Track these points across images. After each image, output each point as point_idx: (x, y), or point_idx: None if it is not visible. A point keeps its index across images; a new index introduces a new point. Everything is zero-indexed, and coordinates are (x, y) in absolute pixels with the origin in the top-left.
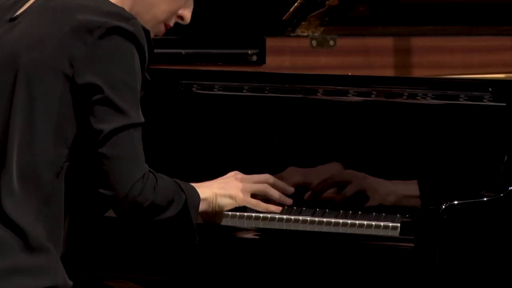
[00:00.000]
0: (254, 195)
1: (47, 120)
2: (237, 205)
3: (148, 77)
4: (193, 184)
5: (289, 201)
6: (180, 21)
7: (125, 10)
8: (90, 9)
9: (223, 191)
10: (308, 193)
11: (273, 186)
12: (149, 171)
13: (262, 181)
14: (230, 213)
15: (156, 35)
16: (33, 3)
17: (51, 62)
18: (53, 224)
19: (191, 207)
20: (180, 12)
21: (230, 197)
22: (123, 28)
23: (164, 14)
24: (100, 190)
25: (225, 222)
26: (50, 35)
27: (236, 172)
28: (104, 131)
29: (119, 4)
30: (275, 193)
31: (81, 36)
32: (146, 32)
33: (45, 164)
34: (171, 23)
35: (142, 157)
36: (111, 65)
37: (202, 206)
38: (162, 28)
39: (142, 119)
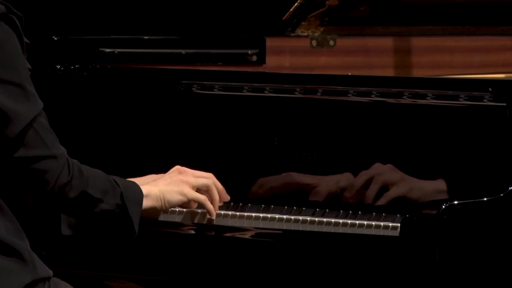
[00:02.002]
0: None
1: None
2: (186, 201)
3: (28, 41)
4: (137, 183)
5: (227, 198)
6: None
7: None
8: None
9: (170, 187)
10: (308, 193)
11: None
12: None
13: (205, 177)
14: (230, 213)
15: None
16: None
17: None
18: (7, 217)
19: (130, 201)
20: None
21: (179, 193)
22: None
23: None
24: (31, 193)
25: (225, 222)
26: None
27: (178, 166)
28: (8, 137)
29: None
30: (219, 186)
31: None
32: (8, 6)
33: None
34: None
35: (56, 144)
36: None
37: (148, 203)
38: None
39: (40, 106)
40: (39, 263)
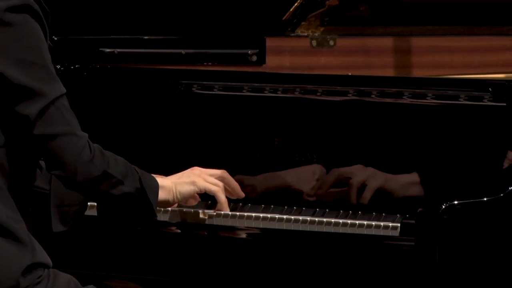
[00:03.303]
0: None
1: None
2: (198, 191)
3: (50, 44)
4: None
5: (242, 194)
6: None
7: None
8: None
9: (181, 179)
10: (308, 193)
11: (228, 180)
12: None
13: (218, 174)
14: (230, 213)
15: None
16: None
17: None
18: (9, 206)
19: (148, 187)
20: None
21: (190, 183)
22: (13, 6)
23: None
24: (52, 172)
25: (224, 222)
26: None
27: (193, 167)
28: (30, 116)
29: None
30: (232, 182)
31: None
32: None
33: None
34: None
35: (77, 125)
36: (14, 49)
37: (162, 194)
38: None
39: (63, 90)
40: (39, 248)
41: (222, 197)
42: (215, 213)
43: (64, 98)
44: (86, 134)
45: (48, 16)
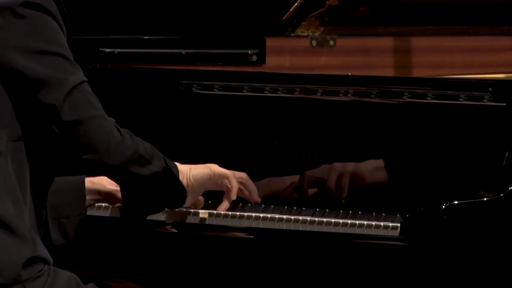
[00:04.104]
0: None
1: None
2: (211, 174)
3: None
4: None
5: (258, 200)
6: None
7: None
8: None
9: (197, 165)
10: (308, 193)
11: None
12: None
13: (239, 174)
14: (230, 213)
15: None
16: None
17: None
18: (13, 202)
19: (171, 166)
20: None
21: (205, 167)
22: (29, 2)
23: None
24: (83, 157)
25: (224, 222)
26: None
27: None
28: (56, 103)
29: None
30: (251, 185)
31: None
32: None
33: None
34: None
35: (102, 109)
36: (32, 42)
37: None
38: None
39: (83, 77)
40: (40, 243)
41: (234, 183)
42: (215, 213)
43: (87, 84)
44: (113, 119)
45: (66, 18)
